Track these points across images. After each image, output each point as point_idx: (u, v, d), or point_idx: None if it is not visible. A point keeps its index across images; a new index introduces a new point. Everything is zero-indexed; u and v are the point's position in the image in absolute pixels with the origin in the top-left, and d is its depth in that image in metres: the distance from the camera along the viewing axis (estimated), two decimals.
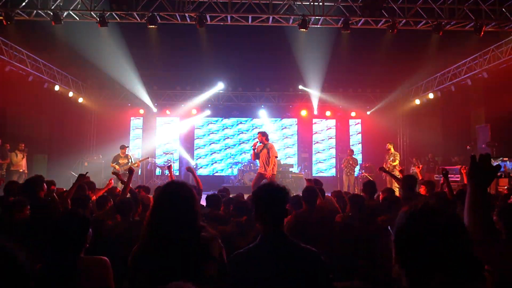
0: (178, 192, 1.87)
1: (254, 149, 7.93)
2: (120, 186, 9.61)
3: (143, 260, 1.77)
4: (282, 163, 13.54)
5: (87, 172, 4.76)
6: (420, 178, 6.48)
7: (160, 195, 1.90)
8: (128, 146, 10.92)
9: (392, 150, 10.97)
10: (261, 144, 7.95)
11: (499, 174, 1.39)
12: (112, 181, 6.32)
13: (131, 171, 4.88)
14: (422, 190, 4.84)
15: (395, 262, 1.08)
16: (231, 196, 5.19)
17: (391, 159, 10.85)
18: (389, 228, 1.15)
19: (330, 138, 16.20)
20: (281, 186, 1.97)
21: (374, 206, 4.25)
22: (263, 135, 7.95)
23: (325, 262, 1.82)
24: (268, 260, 1.77)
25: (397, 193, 5.90)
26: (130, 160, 10.43)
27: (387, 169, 10.81)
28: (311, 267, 1.79)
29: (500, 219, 2.24)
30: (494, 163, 1.40)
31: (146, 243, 1.82)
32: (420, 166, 8.55)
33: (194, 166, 14.46)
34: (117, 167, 10.12)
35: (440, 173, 12.08)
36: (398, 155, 11.10)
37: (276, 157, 7.86)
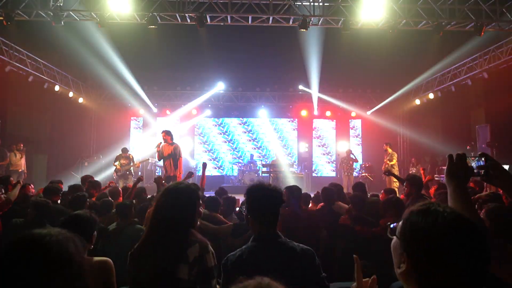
0: (172, 196, 1.91)
1: (158, 149, 7.64)
2: (121, 186, 9.75)
3: (135, 256, 1.85)
4: (283, 162, 13.55)
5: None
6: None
7: (159, 196, 1.97)
8: (128, 149, 10.99)
9: (390, 150, 10.99)
10: (165, 143, 7.66)
11: (476, 171, 1.40)
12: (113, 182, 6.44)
13: (139, 179, 5.11)
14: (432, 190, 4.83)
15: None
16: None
17: (387, 159, 10.88)
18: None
19: (330, 138, 16.20)
20: (276, 187, 1.97)
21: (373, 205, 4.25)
22: (168, 134, 7.65)
23: (318, 261, 1.83)
24: (262, 261, 1.77)
25: (396, 194, 5.90)
26: (131, 162, 10.52)
27: (385, 169, 10.84)
28: (305, 265, 1.79)
29: (488, 219, 2.30)
30: (474, 163, 1.41)
31: (143, 240, 1.89)
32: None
33: (194, 168, 14.47)
34: (117, 166, 10.25)
35: (440, 174, 12.10)
36: (396, 155, 11.14)
37: (181, 157, 7.60)
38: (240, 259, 1.82)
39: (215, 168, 15.76)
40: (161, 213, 1.87)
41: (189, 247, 1.78)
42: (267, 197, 1.89)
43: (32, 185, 5.27)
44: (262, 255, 1.78)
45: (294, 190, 4.04)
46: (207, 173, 5.53)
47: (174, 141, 7.83)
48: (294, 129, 16.30)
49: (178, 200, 1.88)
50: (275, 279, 0.94)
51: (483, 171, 1.37)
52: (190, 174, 5.29)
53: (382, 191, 5.41)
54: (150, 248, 1.82)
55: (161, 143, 7.68)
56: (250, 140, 16.12)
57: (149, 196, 5.12)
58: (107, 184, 6.02)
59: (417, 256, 0.98)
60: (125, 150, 10.70)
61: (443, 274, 0.94)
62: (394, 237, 1.06)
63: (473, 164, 1.38)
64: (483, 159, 1.37)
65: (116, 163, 10.39)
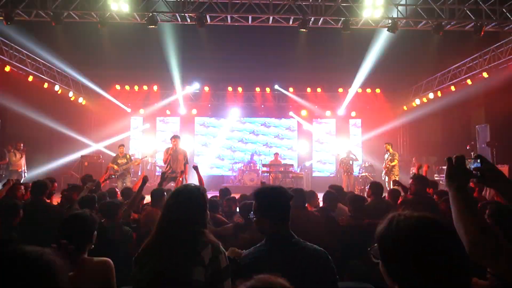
0: (184, 197, 1.92)
1: (170, 152, 7.80)
2: (119, 186, 9.69)
3: (143, 257, 1.83)
4: (282, 162, 13.55)
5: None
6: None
7: (168, 197, 1.99)
8: (124, 145, 10.89)
9: (391, 150, 10.91)
10: (176, 148, 7.88)
11: (475, 172, 1.39)
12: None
13: (145, 180, 4.49)
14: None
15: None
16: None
17: (389, 159, 10.80)
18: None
19: (330, 138, 16.19)
20: (279, 185, 2.04)
21: (385, 206, 4.26)
22: (178, 139, 7.91)
23: (332, 263, 1.82)
24: (276, 261, 1.76)
25: None
26: (129, 160, 10.43)
27: (386, 169, 10.82)
28: (319, 267, 1.78)
29: (493, 221, 2.26)
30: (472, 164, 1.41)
31: (151, 241, 1.88)
32: (417, 164, 8.34)
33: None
34: (115, 167, 10.14)
35: (440, 174, 12.11)
36: (397, 155, 11.02)
37: (187, 163, 7.85)
38: (253, 259, 1.81)
39: (215, 167, 15.77)
40: (173, 214, 1.86)
41: (203, 248, 1.78)
42: (275, 194, 1.92)
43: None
44: (276, 255, 1.78)
45: (299, 192, 4.03)
46: (202, 172, 5.53)
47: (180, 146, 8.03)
48: (294, 129, 16.29)
49: (190, 201, 1.89)
50: (288, 279, 0.96)
51: (479, 173, 1.36)
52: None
53: (386, 194, 5.41)
54: (161, 250, 1.80)
55: (172, 148, 7.85)
56: (250, 140, 16.11)
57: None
58: (105, 171, 5.96)
59: (389, 264, 1.05)
60: (121, 146, 10.64)
61: (412, 277, 0.98)
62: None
63: (470, 166, 1.38)
64: (478, 160, 1.37)
65: (114, 164, 10.29)
